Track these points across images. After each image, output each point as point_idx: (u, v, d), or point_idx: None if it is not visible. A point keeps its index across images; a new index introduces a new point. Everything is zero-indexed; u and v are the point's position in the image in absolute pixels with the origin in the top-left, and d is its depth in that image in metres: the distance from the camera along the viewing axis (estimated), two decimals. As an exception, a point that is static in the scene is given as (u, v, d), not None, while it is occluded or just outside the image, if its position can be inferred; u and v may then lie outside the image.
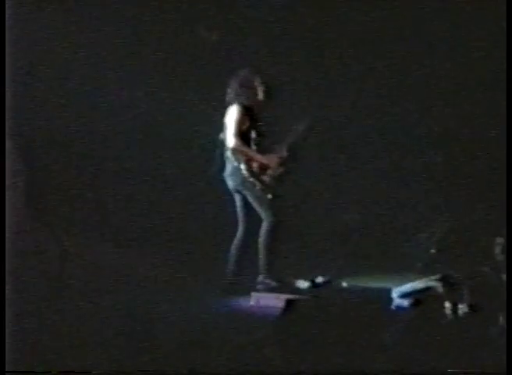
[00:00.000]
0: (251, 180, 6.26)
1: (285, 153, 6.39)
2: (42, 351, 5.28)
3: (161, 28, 7.21)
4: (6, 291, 5.24)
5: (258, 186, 6.25)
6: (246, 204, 6.35)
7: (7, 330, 5.11)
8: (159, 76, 7.19)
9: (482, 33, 7.07)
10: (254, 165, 6.29)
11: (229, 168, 6.33)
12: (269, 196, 6.24)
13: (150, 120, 7.12)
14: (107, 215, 7.01)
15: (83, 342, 5.43)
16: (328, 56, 7.34)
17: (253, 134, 6.31)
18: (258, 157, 6.29)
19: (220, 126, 6.41)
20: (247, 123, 6.29)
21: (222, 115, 6.40)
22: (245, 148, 6.25)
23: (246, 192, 6.31)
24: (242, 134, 6.27)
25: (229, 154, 6.31)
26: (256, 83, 6.35)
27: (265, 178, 6.29)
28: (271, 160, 6.31)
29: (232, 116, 6.30)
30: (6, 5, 5.65)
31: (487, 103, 7.16)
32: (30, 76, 6.76)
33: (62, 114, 6.95)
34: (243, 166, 6.25)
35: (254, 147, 6.31)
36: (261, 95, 6.35)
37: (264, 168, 6.32)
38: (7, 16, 5.66)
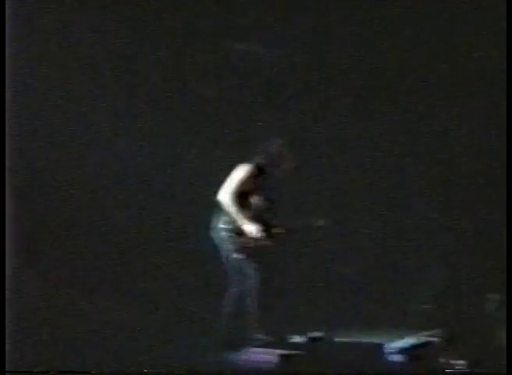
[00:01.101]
0: (227, 240, 6.02)
1: (282, 230, 6.15)
2: (42, 351, 5.29)
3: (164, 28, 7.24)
4: (6, 291, 5.25)
5: (232, 247, 6.02)
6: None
7: (7, 330, 5.11)
8: (161, 78, 7.21)
9: (482, 33, 7.07)
10: (237, 225, 6.02)
11: (214, 224, 6.11)
12: (239, 257, 6.00)
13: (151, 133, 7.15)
14: (102, 268, 6.92)
15: (82, 342, 5.44)
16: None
17: (256, 199, 6.10)
18: (241, 221, 5.99)
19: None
20: (252, 186, 6.06)
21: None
22: (232, 206, 5.97)
23: (223, 252, 6.09)
24: (242, 194, 6.03)
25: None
26: (289, 156, 6.14)
27: (242, 241, 6.02)
28: (254, 230, 6.01)
29: (239, 172, 6.06)
30: (6, 5, 5.66)
31: (487, 103, 7.16)
32: (30, 76, 6.76)
33: (62, 114, 6.95)
34: (223, 224, 6.03)
35: (250, 212, 6.03)
36: (290, 167, 6.13)
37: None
38: (7, 16, 5.67)
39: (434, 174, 7.37)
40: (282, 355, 5.78)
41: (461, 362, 5.61)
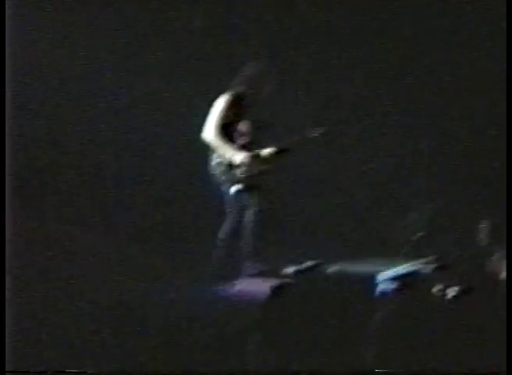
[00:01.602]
0: (222, 173, 6.05)
1: (275, 150, 6.09)
2: (42, 351, 5.28)
3: (161, 28, 7.22)
4: (6, 291, 5.24)
5: (225, 179, 6.05)
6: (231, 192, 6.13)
7: (7, 330, 5.11)
8: (158, 75, 7.20)
9: (482, 33, 7.07)
10: (227, 159, 6.02)
11: (210, 159, 6.14)
12: (232, 189, 6.01)
13: (149, 119, 7.12)
14: (98, 205, 6.96)
15: (83, 342, 5.44)
16: (333, 56, 7.31)
17: (244, 126, 6.10)
18: (228, 153, 5.99)
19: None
20: (236, 115, 6.04)
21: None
22: (216, 141, 5.98)
23: (221, 187, 6.11)
24: (227, 125, 6.02)
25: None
26: (268, 76, 6.11)
27: (237, 172, 6.04)
28: (241, 157, 6.00)
29: (217, 105, 6.05)
30: (6, 5, 5.65)
31: (487, 103, 7.16)
32: (30, 76, 6.76)
33: (62, 114, 6.96)
34: (215, 159, 6.06)
35: (240, 140, 6.06)
36: (269, 89, 6.10)
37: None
38: (7, 16, 5.66)
39: (437, 104, 7.35)
40: (273, 287, 5.77)
41: (454, 288, 5.63)
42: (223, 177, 6.07)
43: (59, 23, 6.93)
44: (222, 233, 6.20)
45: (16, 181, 6.39)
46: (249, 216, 6.12)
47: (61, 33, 6.95)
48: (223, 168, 6.05)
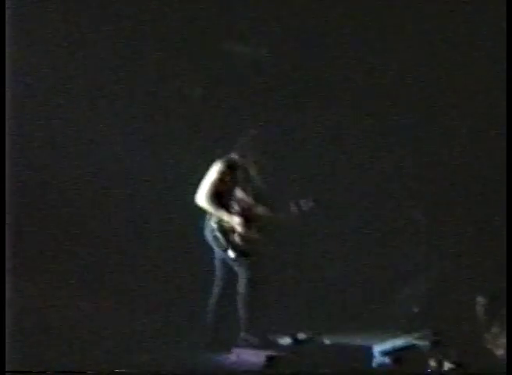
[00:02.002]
0: (219, 237, 6.12)
1: (268, 212, 6.22)
2: (42, 351, 5.29)
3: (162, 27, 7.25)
4: (6, 291, 5.25)
5: (224, 244, 6.11)
6: (224, 258, 6.21)
7: (7, 330, 5.11)
8: (158, 76, 7.22)
9: (482, 33, 7.08)
10: (225, 223, 6.12)
11: (206, 224, 6.23)
12: (231, 255, 6.08)
13: (143, 184, 7.09)
14: (102, 269, 6.86)
15: (82, 342, 5.44)
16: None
17: (239, 193, 6.18)
18: (224, 216, 6.08)
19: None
20: (230, 182, 6.14)
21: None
22: (210, 208, 6.09)
23: (216, 248, 6.19)
24: (222, 193, 6.11)
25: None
26: (262, 145, 6.23)
27: (234, 237, 6.12)
28: (235, 221, 6.10)
29: (211, 173, 6.15)
30: (6, 5, 5.66)
31: (487, 103, 7.16)
32: (30, 76, 6.76)
33: (62, 114, 6.96)
34: (213, 223, 6.13)
35: (235, 207, 6.16)
36: (263, 157, 6.21)
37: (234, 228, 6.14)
38: (7, 16, 5.66)
39: (432, 174, 7.38)
40: (268, 357, 5.75)
41: (448, 364, 5.61)
42: (217, 242, 6.13)
43: (59, 23, 6.93)
44: (212, 299, 6.23)
45: (16, 182, 6.40)
46: (242, 283, 6.13)
47: (61, 33, 6.95)
48: (218, 232, 6.12)
